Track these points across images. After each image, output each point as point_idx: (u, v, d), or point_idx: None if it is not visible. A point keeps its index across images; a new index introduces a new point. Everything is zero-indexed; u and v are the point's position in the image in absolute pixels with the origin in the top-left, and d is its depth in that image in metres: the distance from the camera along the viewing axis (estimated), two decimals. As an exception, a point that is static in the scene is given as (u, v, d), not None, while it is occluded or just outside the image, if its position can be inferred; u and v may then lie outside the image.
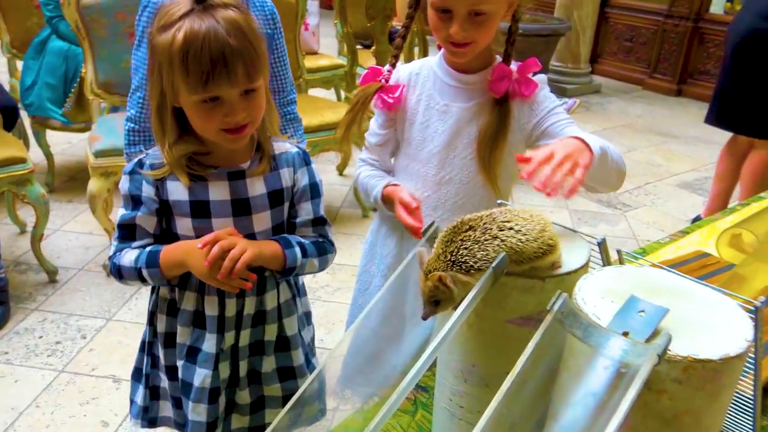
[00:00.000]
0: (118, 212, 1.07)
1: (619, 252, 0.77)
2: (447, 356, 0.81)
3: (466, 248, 0.66)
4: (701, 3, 5.50)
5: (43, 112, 3.09)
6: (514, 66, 1.18)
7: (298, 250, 1.09)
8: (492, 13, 1.09)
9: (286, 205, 1.12)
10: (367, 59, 3.83)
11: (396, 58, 1.24)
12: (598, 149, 0.96)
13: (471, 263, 0.65)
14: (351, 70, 3.57)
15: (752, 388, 0.89)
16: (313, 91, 3.86)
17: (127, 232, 1.07)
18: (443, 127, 1.19)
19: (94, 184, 2.46)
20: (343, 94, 3.98)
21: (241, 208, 1.07)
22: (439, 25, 1.11)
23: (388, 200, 1.23)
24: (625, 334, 0.58)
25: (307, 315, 1.27)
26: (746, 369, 0.91)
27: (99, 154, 2.46)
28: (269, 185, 1.09)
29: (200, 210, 1.05)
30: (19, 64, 3.29)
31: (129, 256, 1.06)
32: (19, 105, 2.98)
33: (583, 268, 0.72)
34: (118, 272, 1.07)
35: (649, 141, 4.55)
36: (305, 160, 1.13)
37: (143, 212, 1.05)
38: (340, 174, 3.68)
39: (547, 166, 0.85)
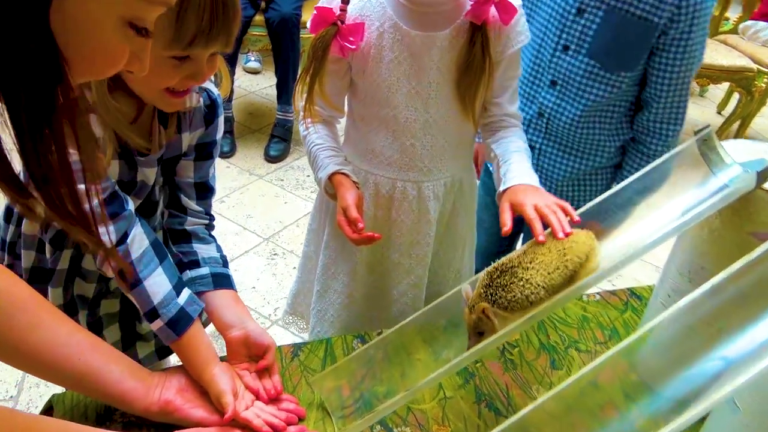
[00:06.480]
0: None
1: None
2: (679, 255, 0.87)
3: (500, 290, 0.75)
4: None
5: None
6: None
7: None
8: None
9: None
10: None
11: None
12: (536, 177, 0.99)
13: (505, 304, 0.74)
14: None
15: None
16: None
17: None
18: (421, 61, 0.99)
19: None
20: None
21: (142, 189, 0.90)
22: None
23: (332, 187, 1.04)
24: None
25: None
26: None
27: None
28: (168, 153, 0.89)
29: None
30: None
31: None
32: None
33: None
34: None
35: None
36: (216, 112, 0.90)
37: None
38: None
39: (547, 220, 0.84)
